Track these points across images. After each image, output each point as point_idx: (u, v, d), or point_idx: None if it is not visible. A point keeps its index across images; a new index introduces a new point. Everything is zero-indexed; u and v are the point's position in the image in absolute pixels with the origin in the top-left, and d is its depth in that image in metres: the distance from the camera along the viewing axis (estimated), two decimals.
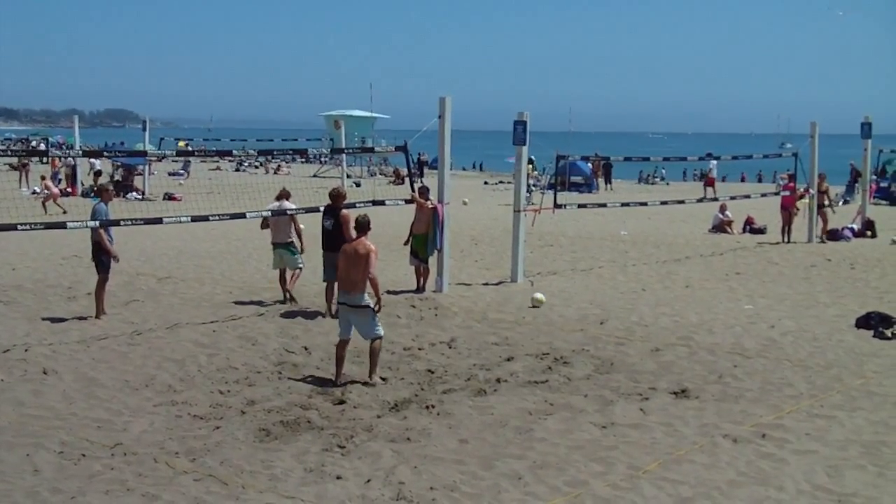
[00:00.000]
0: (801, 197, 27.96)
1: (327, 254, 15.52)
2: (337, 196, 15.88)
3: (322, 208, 16.20)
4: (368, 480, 8.77)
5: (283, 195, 17.54)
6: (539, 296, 17.36)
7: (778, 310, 17.29)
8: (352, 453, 9.50)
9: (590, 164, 53.31)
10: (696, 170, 64.01)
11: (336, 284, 12.96)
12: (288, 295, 17.19)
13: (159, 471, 8.99)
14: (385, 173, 61.80)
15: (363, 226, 12.40)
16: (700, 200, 30.08)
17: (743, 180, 72.18)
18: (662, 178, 66.10)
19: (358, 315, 12.06)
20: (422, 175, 52.35)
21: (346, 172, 54.50)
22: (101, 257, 15.78)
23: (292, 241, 17.42)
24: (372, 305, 11.99)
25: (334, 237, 15.39)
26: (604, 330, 15.29)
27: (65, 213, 33.06)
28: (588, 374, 12.57)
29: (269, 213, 17.22)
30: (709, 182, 48.83)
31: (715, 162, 48.06)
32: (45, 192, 36.65)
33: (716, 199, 30.98)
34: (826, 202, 28.70)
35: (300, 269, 17.52)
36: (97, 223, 15.25)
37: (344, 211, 15.52)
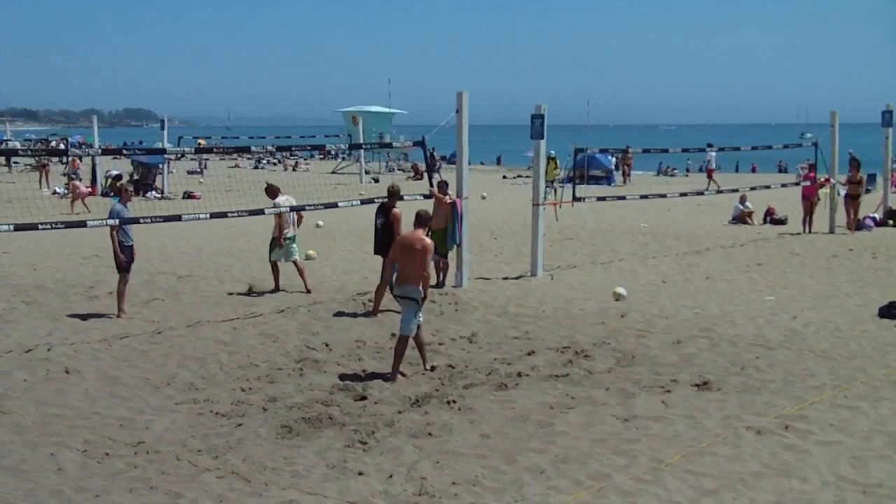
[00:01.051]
0: (822, 186, 27.76)
1: (382, 257, 15.40)
2: (393, 193, 15.86)
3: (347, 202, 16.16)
4: (390, 476, 8.76)
5: (277, 190, 17.70)
6: (620, 290, 17.27)
7: (800, 300, 17.20)
8: (373, 449, 9.50)
9: (613, 158, 53.08)
10: (702, 161, 63.56)
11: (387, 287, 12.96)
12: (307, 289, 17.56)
13: (182, 468, 9.02)
14: (403, 169, 61.61)
15: (423, 220, 12.47)
16: (719, 192, 29.87)
17: (754, 171, 71.81)
18: (688, 170, 65.73)
19: (405, 306, 12.16)
20: (437, 170, 52.63)
21: (364, 168, 55.20)
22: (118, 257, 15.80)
23: (294, 235, 17.85)
24: (418, 298, 12.06)
25: (384, 237, 15.44)
26: (625, 323, 15.21)
27: (87, 211, 33.25)
28: (609, 368, 12.51)
29: (288, 208, 17.23)
30: (708, 174, 48.27)
31: (714, 154, 47.59)
32: (70, 192, 36.79)
33: (708, 192, 30.73)
34: (860, 192, 28.30)
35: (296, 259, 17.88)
36: (115, 222, 15.21)
37: (395, 210, 15.54)
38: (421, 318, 12.36)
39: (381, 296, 15.70)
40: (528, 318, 15.61)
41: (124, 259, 15.72)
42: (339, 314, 15.84)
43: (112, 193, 38.56)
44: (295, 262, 17.85)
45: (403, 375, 12.21)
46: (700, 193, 33.44)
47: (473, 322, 15.33)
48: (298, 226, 18.16)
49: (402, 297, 12.13)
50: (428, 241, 12.21)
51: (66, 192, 41.53)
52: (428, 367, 12.50)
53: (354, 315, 15.81)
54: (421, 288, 12.08)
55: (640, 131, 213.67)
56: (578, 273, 20.36)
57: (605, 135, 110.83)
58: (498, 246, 24.78)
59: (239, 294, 17.79)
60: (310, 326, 14.99)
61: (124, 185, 16.67)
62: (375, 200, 17.72)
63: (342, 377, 12.15)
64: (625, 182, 51.29)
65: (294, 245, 17.90)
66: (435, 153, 60.44)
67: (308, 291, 17.51)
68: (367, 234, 26.36)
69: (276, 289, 17.84)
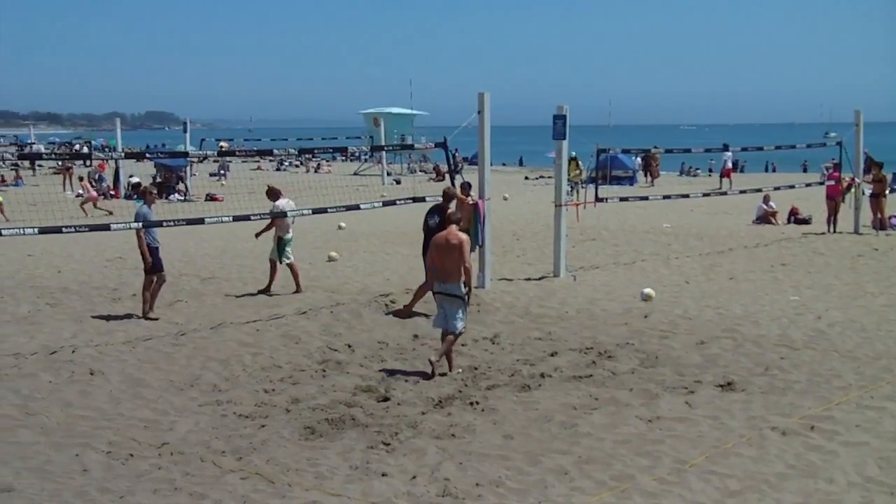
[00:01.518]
0: (849, 189, 27.54)
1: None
2: (448, 196, 15.86)
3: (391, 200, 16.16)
4: (414, 477, 8.76)
5: (279, 193, 17.99)
6: (649, 291, 17.23)
7: (825, 300, 17.08)
8: (397, 450, 9.50)
9: (638, 159, 52.96)
10: (712, 160, 62.86)
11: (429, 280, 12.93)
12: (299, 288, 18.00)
13: (206, 470, 9.05)
14: (425, 170, 61.61)
15: (454, 220, 12.62)
16: (742, 192, 29.70)
17: (773, 170, 71.37)
18: (710, 170, 65.22)
19: (450, 303, 12.24)
20: (458, 171, 52.68)
21: (386, 170, 55.33)
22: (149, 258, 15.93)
23: (292, 237, 18.19)
24: (464, 296, 12.16)
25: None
26: (648, 323, 15.13)
27: (110, 213, 33.40)
28: (633, 368, 12.46)
29: (311, 210, 17.32)
30: (725, 173, 47.79)
31: (730, 154, 47.21)
32: (84, 193, 36.87)
33: (732, 192, 30.57)
34: (886, 192, 28.13)
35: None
36: (139, 225, 15.34)
37: (450, 209, 15.29)
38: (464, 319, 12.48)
39: (420, 295, 15.69)
40: (550, 319, 15.56)
41: (149, 259, 15.83)
42: (361, 315, 15.84)
43: (136, 196, 38.88)
44: (290, 265, 18.06)
45: (441, 375, 12.26)
46: (723, 194, 33.24)
47: (496, 323, 15.30)
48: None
49: (446, 294, 12.22)
50: (463, 235, 12.30)
51: (82, 192, 41.83)
52: (453, 370, 12.51)
53: (377, 316, 15.80)
54: (463, 284, 12.17)
55: (662, 131, 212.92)
56: (601, 274, 20.29)
57: (627, 135, 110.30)
58: (520, 247, 24.73)
59: (260, 292, 17.91)
60: (332, 328, 15.00)
61: (149, 188, 16.81)
62: (398, 202, 17.88)
63: (365, 378, 12.14)
64: (652, 182, 51.17)
65: (289, 248, 18.04)
66: (458, 154, 60.59)
67: (299, 290, 17.92)
68: (388, 235, 27.40)
69: (268, 290, 17.99)
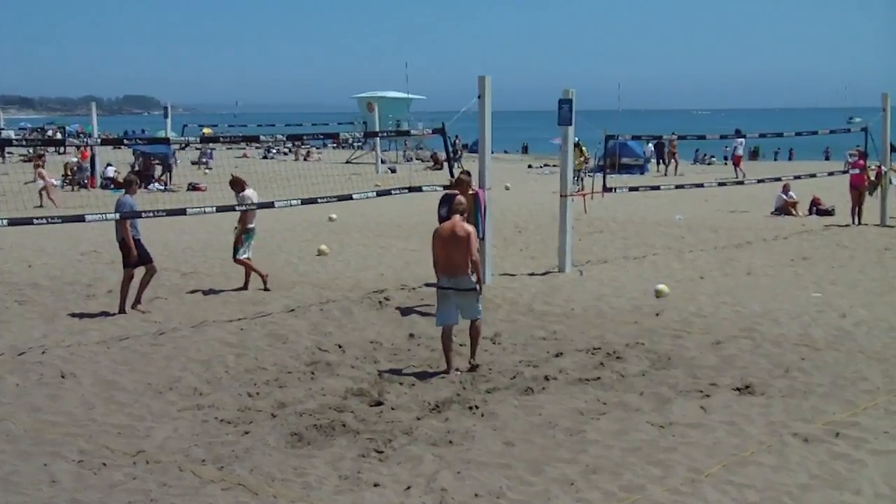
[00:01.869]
0: (877, 178, 27.41)
1: None
2: (462, 183, 15.42)
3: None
4: (408, 487, 8.68)
5: (244, 184, 17.87)
6: (661, 286, 17.15)
7: (849, 297, 16.98)
8: (390, 458, 9.43)
9: (650, 146, 53.04)
10: (727, 146, 61.18)
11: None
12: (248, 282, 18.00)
13: (185, 480, 8.96)
14: (422, 158, 61.33)
15: (459, 209, 12.61)
16: (760, 181, 29.58)
17: (790, 158, 71.27)
18: (726, 158, 64.85)
19: (464, 297, 12.31)
20: (458, 159, 51.99)
21: (380, 157, 54.84)
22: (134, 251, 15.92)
23: (254, 228, 18.08)
24: (474, 287, 12.26)
25: None
26: (659, 322, 15.07)
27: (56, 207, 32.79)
28: (643, 370, 12.39)
29: (300, 201, 17.22)
30: (735, 161, 47.84)
31: (742, 140, 47.14)
32: (42, 181, 35.52)
33: (749, 181, 30.42)
34: None
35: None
36: (118, 215, 15.27)
37: (460, 198, 14.65)
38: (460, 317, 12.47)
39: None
40: (555, 317, 15.50)
41: (135, 252, 15.85)
42: (352, 313, 15.74)
43: (112, 186, 38.77)
44: (245, 261, 18.01)
45: (458, 371, 12.36)
46: (740, 182, 33.09)
47: (497, 321, 15.20)
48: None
49: (458, 289, 12.26)
50: (469, 226, 12.36)
51: (63, 182, 41.69)
52: (475, 360, 12.63)
53: (370, 314, 15.72)
54: (473, 275, 12.24)
55: (674, 117, 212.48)
56: (610, 268, 20.21)
57: (637, 121, 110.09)
58: (523, 240, 24.64)
59: (260, 290, 17.81)
60: (322, 326, 14.92)
61: (131, 178, 16.74)
62: (393, 192, 17.77)
63: (356, 381, 12.04)
64: (675, 171, 51.04)
65: (250, 242, 17.97)
66: (458, 141, 60.24)
67: (245, 288, 17.85)
68: (383, 227, 27.36)
69: (245, 287, 17.95)
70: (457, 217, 12.39)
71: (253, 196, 17.67)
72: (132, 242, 15.74)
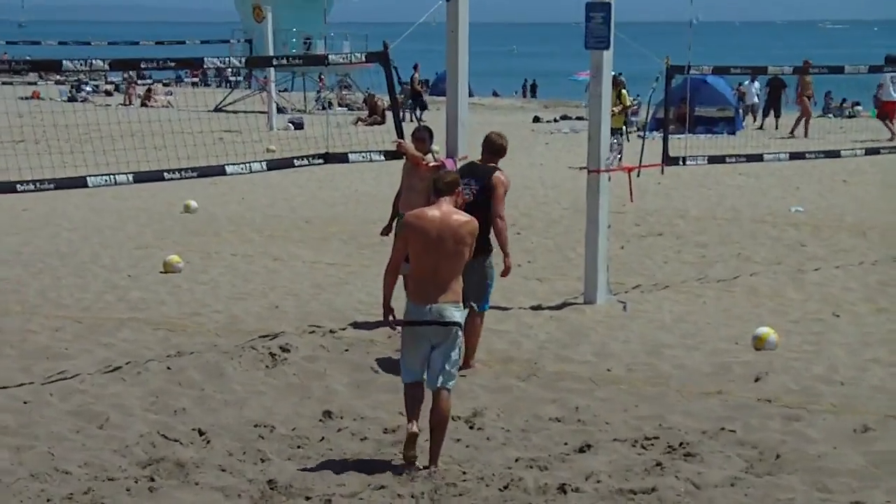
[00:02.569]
0: None
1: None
2: (495, 146, 12.22)
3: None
4: None
5: None
6: (765, 331, 12.81)
7: None
8: None
9: (754, 86, 40.18)
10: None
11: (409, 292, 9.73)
12: None
13: None
14: (349, 104, 47.17)
15: (445, 188, 9.68)
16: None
17: None
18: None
19: (443, 339, 9.25)
20: (414, 106, 39.27)
21: (275, 102, 38.78)
22: None
23: None
24: (461, 324, 9.42)
25: (474, 212, 11.11)
26: (761, 392, 11.29)
27: None
28: (733, 478, 9.38)
29: (130, 177, 13.25)
30: (886, 109, 34.12)
31: (891, 75, 32.73)
32: None
33: None
34: None
35: None
36: None
37: (499, 174, 12.11)
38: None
39: (474, 336, 11.91)
40: (578, 384, 11.60)
41: None
42: (224, 375, 11.67)
43: None
44: None
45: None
46: None
47: (477, 389, 11.38)
48: None
49: (440, 323, 9.23)
50: (474, 220, 9.43)
51: None
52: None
53: (254, 376, 11.74)
54: (458, 308, 9.33)
55: (789, 32, 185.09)
56: (674, 298, 15.24)
57: (725, 41, 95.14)
58: (524, 246, 18.67)
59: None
60: (169, 397, 11.06)
61: None
62: (297, 163, 13.64)
63: (232, 492, 8.91)
64: (804, 129, 35.85)
65: None
66: (417, 75, 44.69)
67: None
68: (277, 224, 20.94)
69: None
70: (445, 200, 9.44)
71: None
72: None
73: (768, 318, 14.00)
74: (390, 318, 9.13)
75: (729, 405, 10.86)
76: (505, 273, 11.42)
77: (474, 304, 11.09)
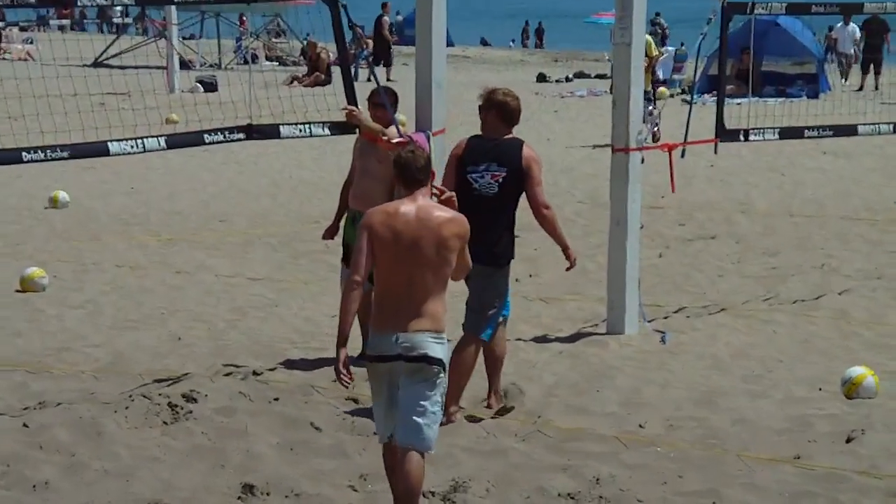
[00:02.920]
0: None
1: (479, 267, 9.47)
2: (509, 110, 10.10)
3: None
4: None
5: None
6: (860, 372, 10.82)
7: None
8: None
9: (849, 29, 32.27)
10: None
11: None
12: None
13: None
14: (281, 56, 39.78)
15: (415, 176, 7.80)
16: None
17: None
18: None
19: (419, 380, 7.40)
20: (383, 64, 33.70)
21: (177, 53, 33.88)
22: None
23: None
24: (444, 361, 7.56)
25: (498, 212, 10.03)
26: (855, 457, 9.33)
27: None
28: None
29: None
30: None
31: None
32: None
33: None
34: None
35: None
36: None
37: (528, 149, 10.21)
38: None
39: (463, 378, 9.91)
40: (599, 444, 9.70)
41: None
42: (101, 434, 9.44)
43: None
44: None
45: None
46: None
47: (459, 452, 9.40)
48: None
49: (414, 358, 7.38)
50: (461, 218, 7.73)
51: None
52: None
53: (146, 436, 9.63)
54: (437, 339, 7.44)
55: None
56: (731, 325, 12.87)
57: None
58: (527, 253, 15.35)
59: None
60: (26, 466, 8.79)
61: None
62: (207, 138, 11.04)
63: None
64: (875, 85, 31.55)
65: None
66: (387, 18, 38.34)
67: None
68: (180, 224, 17.44)
69: None
70: (421, 191, 7.69)
71: None
72: None
73: (864, 353, 11.61)
74: (343, 358, 7.30)
75: (810, 476, 8.80)
76: (570, 267, 10.10)
77: (471, 330, 9.31)
